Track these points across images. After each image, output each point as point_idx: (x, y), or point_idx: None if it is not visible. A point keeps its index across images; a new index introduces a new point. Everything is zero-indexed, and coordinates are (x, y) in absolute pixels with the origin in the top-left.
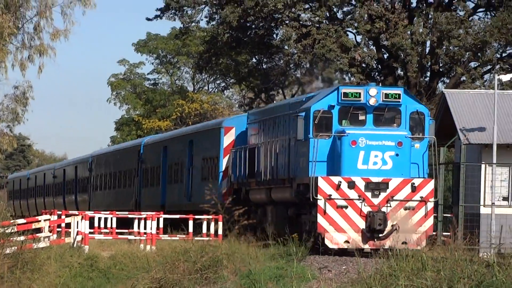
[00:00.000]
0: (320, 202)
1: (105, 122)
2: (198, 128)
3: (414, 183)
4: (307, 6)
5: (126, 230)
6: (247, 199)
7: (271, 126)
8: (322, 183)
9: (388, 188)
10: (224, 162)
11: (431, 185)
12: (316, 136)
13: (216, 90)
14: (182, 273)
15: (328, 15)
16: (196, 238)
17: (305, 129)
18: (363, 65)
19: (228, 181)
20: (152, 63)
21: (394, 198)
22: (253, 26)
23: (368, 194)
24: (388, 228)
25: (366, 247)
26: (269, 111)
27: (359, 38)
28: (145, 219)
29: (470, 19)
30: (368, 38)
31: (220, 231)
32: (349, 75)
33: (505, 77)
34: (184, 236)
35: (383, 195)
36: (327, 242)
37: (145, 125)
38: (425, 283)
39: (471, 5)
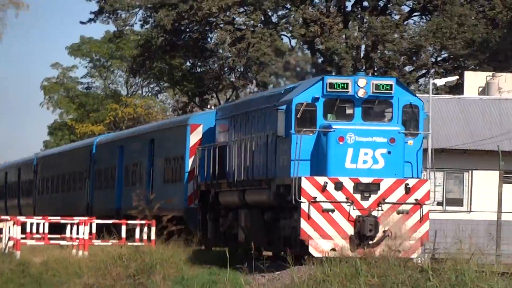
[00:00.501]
0: (304, 206)
1: (38, 126)
2: (160, 125)
3: (408, 184)
4: (241, 9)
5: (59, 236)
6: (217, 202)
7: (243, 122)
8: (306, 184)
9: (379, 189)
10: (190, 162)
11: (426, 186)
12: (299, 132)
13: (150, 94)
14: (114, 279)
15: (262, 18)
16: (129, 244)
17: (286, 124)
18: (298, 68)
19: (194, 183)
20: (86, 67)
21: (386, 200)
22: (188, 30)
23: (357, 197)
24: (380, 234)
25: (355, 255)
26: (241, 106)
27: (293, 42)
28: (78, 224)
29: (405, 23)
30: (303, 42)
31: (153, 237)
32: (284, 79)
33: (440, 81)
34: (117, 241)
35: (373, 197)
36: (311, 250)
37: (78, 130)
38: None
39: (406, 9)
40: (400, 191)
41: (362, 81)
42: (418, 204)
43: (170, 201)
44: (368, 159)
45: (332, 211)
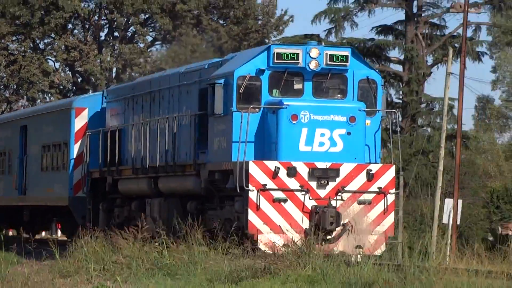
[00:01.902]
0: (252, 194)
1: None
2: (35, 111)
3: (370, 170)
4: (14, 38)
5: None
6: (115, 190)
7: (147, 103)
8: (254, 170)
9: (338, 176)
10: (76, 148)
11: (391, 172)
12: (241, 109)
13: None
14: None
15: (32, 45)
16: None
17: (226, 101)
18: (61, 86)
19: (82, 170)
20: None
21: (346, 189)
22: None
23: (313, 184)
24: (339, 228)
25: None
26: (142, 86)
27: (57, 64)
28: None
29: (149, 50)
30: (65, 65)
31: None
32: (49, 95)
33: None
34: None
35: (331, 185)
36: (261, 245)
37: None
38: None
39: (150, 39)
40: (362, 178)
41: (314, 52)
42: (382, 193)
43: (51, 190)
44: (325, 141)
45: (285, 201)
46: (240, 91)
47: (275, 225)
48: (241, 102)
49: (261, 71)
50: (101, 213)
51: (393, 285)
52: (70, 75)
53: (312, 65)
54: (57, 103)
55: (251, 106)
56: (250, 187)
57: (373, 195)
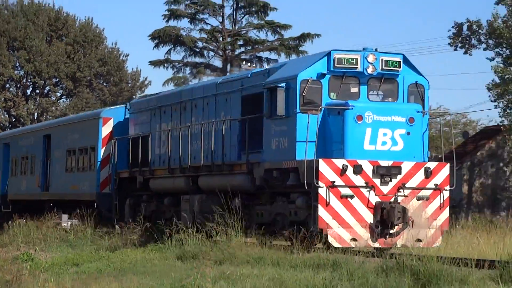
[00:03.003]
0: (322, 191)
1: None
2: (59, 122)
3: (428, 168)
4: None
5: None
6: (143, 188)
7: (177, 112)
8: (323, 167)
9: (399, 173)
10: (102, 152)
11: (446, 170)
12: (304, 111)
13: None
14: None
15: None
16: None
17: (288, 103)
18: (1, 124)
19: (109, 171)
20: None
21: (406, 185)
22: None
23: (377, 181)
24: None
25: (377, 245)
26: (169, 98)
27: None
28: None
29: (58, 101)
30: (4, 110)
31: None
32: None
33: None
34: None
35: (394, 182)
36: (331, 240)
37: None
38: None
39: (59, 94)
40: (420, 175)
41: (371, 57)
42: (438, 189)
43: (75, 187)
44: (387, 140)
45: (351, 197)
46: (303, 94)
47: (343, 220)
48: (304, 104)
49: (322, 75)
50: (127, 207)
51: None
52: (7, 117)
53: (370, 70)
54: (84, 114)
55: (310, 108)
56: (320, 183)
57: (430, 191)
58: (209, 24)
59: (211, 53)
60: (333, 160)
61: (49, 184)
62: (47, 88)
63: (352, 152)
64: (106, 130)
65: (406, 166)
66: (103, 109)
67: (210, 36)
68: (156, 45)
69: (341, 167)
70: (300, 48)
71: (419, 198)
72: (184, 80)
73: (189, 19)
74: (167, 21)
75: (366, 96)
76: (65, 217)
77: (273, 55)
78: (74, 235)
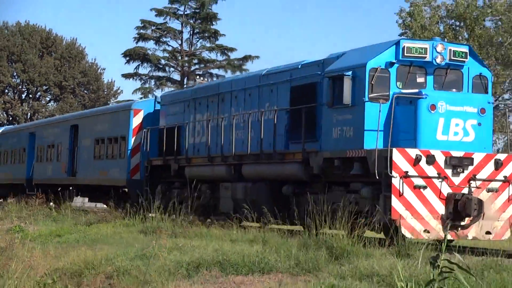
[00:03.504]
0: (395, 181)
1: None
2: (85, 113)
3: (499, 159)
4: None
5: None
6: (179, 175)
7: (214, 103)
8: (397, 157)
9: (471, 164)
10: (132, 141)
11: None
12: (373, 99)
13: None
14: None
15: None
16: None
17: (355, 92)
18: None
19: (138, 159)
20: None
21: (477, 177)
22: None
23: (449, 172)
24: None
25: (449, 237)
26: (205, 90)
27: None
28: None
29: (47, 104)
30: (3, 110)
31: None
32: None
33: None
34: None
35: (465, 173)
36: (404, 231)
37: None
38: None
39: (48, 98)
40: (490, 167)
41: (440, 47)
42: (507, 181)
43: (104, 174)
44: (458, 131)
45: (424, 187)
46: (372, 82)
47: (416, 211)
48: (372, 92)
49: (391, 64)
50: (157, 193)
51: None
52: (6, 116)
53: (438, 60)
54: (115, 106)
55: (379, 97)
56: (394, 173)
57: (499, 183)
58: (171, 45)
59: (172, 69)
60: (407, 149)
61: (76, 170)
62: (39, 93)
63: (425, 142)
64: (136, 120)
65: (478, 157)
66: (134, 101)
67: (171, 55)
68: (127, 61)
69: (414, 157)
70: (243, 67)
71: (489, 190)
72: (149, 90)
73: (154, 41)
74: (136, 42)
75: (432, 86)
76: (80, 199)
77: (221, 72)
78: (57, 213)
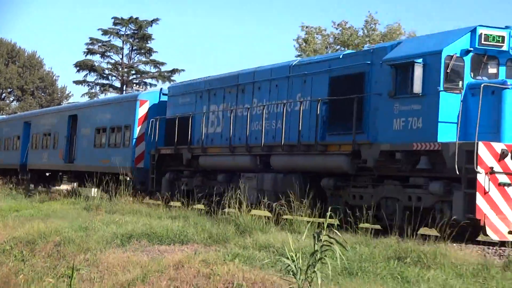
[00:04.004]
0: (480, 177)
1: None
2: (84, 104)
3: None
4: None
5: None
6: (189, 164)
7: (232, 94)
8: (483, 152)
9: None
10: (138, 130)
11: None
12: (448, 89)
13: None
14: None
15: None
16: None
17: (427, 80)
18: None
19: (143, 148)
20: None
21: None
22: None
23: None
24: None
25: None
26: (220, 81)
27: None
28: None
29: (10, 103)
30: None
31: None
32: None
33: None
34: None
35: None
36: (489, 232)
37: None
38: None
39: (11, 99)
40: None
41: None
42: None
43: (106, 162)
44: None
45: (509, 185)
46: (447, 71)
47: (500, 210)
48: (447, 82)
49: (466, 52)
50: (164, 181)
51: None
52: None
53: None
54: (119, 96)
55: (454, 86)
56: (479, 169)
57: None
58: (113, 59)
59: (113, 78)
60: (492, 144)
61: (75, 157)
62: (4, 95)
63: (509, 136)
64: (142, 110)
65: None
66: (139, 92)
67: (113, 67)
68: (78, 70)
69: (499, 152)
70: (172, 78)
71: None
72: (95, 94)
73: (100, 55)
74: (86, 55)
75: (504, 77)
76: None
77: (154, 81)
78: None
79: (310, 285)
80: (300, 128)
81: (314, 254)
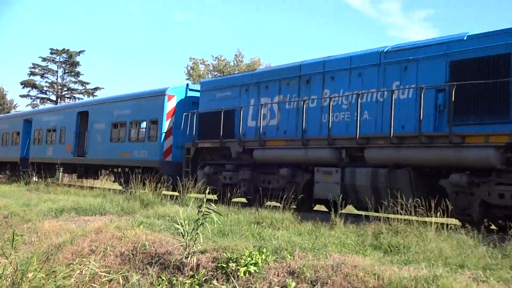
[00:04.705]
0: None
1: None
2: (97, 101)
3: None
4: None
5: None
6: (236, 158)
7: (291, 85)
8: None
9: None
10: (166, 124)
11: None
12: None
13: None
14: None
15: None
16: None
17: None
18: None
19: (172, 141)
20: None
21: None
22: None
23: None
24: None
25: None
26: (286, 71)
27: None
28: None
29: None
30: None
31: None
32: None
33: None
34: None
35: None
36: None
37: None
38: None
39: None
40: None
41: None
42: None
43: (127, 155)
44: None
45: None
46: None
47: None
48: None
49: None
50: (201, 174)
51: None
52: None
53: None
54: (142, 92)
55: None
56: None
57: None
58: (50, 79)
59: (50, 93)
60: None
61: (86, 151)
62: None
63: None
64: (170, 105)
65: None
66: (168, 87)
67: (50, 85)
68: (23, 87)
69: None
70: (95, 94)
71: None
72: (36, 105)
73: (40, 76)
74: (29, 76)
75: None
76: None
77: (81, 96)
78: None
79: (194, 242)
80: (421, 118)
81: (197, 221)
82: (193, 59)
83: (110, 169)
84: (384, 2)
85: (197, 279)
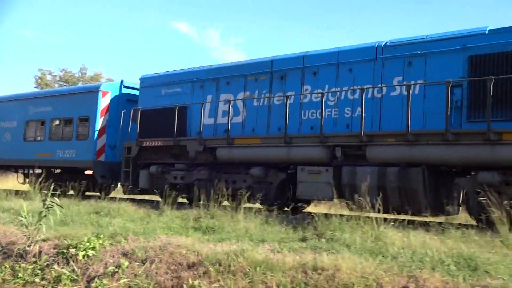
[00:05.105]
0: None
1: None
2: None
3: None
4: None
5: None
6: (196, 157)
7: (260, 81)
8: None
9: None
10: (100, 122)
11: None
12: None
13: None
14: None
15: None
16: None
17: None
18: None
19: (105, 140)
20: None
21: None
22: None
23: None
24: None
25: None
26: (253, 67)
27: None
28: None
29: None
30: None
31: None
32: None
33: None
34: None
35: None
36: None
37: None
38: None
39: None
40: None
41: None
42: None
43: (48, 155)
44: None
45: None
46: None
47: None
48: None
49: None
50: (144, 175)
51: None
52: None
53: None
54: (68, 88)
55: None
56: None
57: None
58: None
59: None
60: None
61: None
62: None
63: None
64: (104, 102)
65: None
66: (101, 83)
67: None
68: None
69: None
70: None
71: None
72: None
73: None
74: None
75: None
76: None
77: None
78: None
79: (37, 232)
80: (447, 113)
81: (41, 213)
82: (41, 70)
83: (14, 170)
84: (207, 29)
85: (39, 264)
